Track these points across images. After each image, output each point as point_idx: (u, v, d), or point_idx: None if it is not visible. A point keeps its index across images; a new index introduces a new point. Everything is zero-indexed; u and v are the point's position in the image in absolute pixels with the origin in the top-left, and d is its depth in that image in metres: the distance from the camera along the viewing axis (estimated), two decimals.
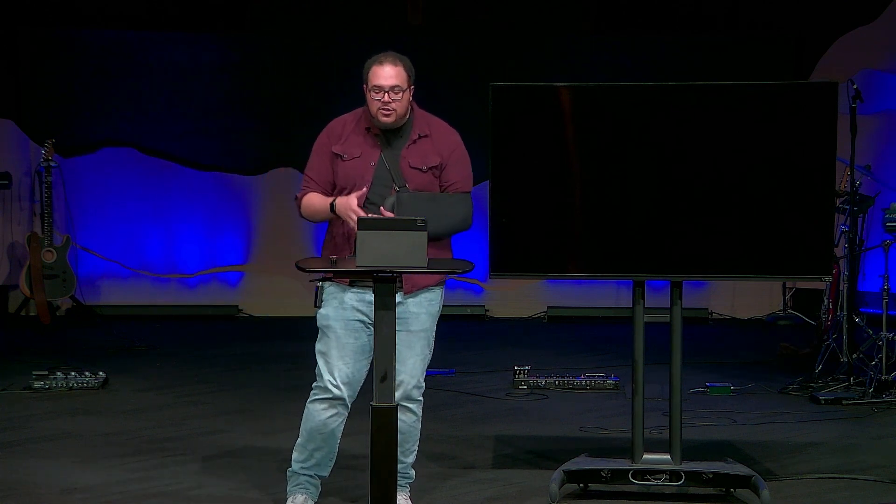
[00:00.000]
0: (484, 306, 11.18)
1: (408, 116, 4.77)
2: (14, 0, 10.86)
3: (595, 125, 5.09)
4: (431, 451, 5.95)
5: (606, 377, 7.57)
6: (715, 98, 5.07)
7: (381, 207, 4.58)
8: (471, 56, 11.20)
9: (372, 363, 4.35)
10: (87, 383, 7.44)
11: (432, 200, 4.62)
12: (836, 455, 5.90)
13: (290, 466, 4.92)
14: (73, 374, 7.47)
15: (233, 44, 11.28)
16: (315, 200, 4.74)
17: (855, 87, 7.57)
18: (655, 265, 5.05)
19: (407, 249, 3.95)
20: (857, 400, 7.07)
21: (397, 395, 4.67)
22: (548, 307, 11.14)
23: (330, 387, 4.74)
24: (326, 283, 4.74)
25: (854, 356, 7.51)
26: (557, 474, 5.11)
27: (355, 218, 4.42)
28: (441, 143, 4.78)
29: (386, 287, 4.03)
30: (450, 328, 10.39)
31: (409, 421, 4.80)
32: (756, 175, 5.01)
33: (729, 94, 5.07)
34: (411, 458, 4.94)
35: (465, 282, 11.11)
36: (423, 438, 6.16)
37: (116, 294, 11.15)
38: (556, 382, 7.55)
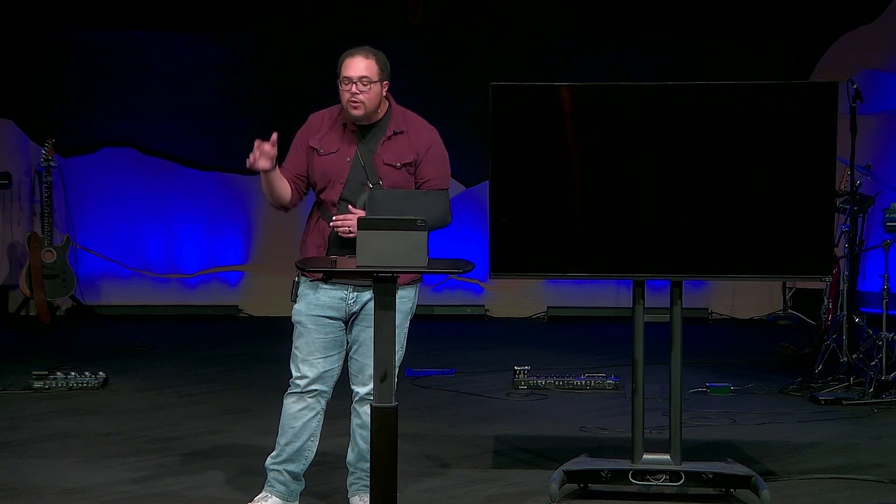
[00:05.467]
0: (484, 306, 11.18)
1: (385, 113, 4.75)
2: (14, 0, 10.86)
3: (595, 125, 5.09)
4: (431, 451, 5.95)
5: (606, 377, 7.57)
6: (715, 98, 5.07)
7: (350, 206, 4.62)
8: (471, 56, 11.20)
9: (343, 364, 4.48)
10: (87, 383, 7.44)
11: (407, 198, 4.56)
12: (836, 455, 5.90)
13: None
14: (73, 374, 7.46)
15: (233, 44, 11.28)
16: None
17: (855, 87, 7.57)
18: (655, 265, 5.05)
19: (407, 249, 3.95)
20: (857, 400, 7.07)
21: (364, 390, 4.73)
22: (548, 307, 11.14)
23: (297, 380, 4.79)
24: (302, 280, 4.78)
25: (854, 356, 7.51)
26: (557, 474, 5.11)
27: (255, 158, 4.56)
28: (416, 140, 4.74)
29: (386, 287, 4.02)
30: (450, 328, 10.52)
31: None
32: (756, 175, 5.01)
33: (729, 94, 5.07)
34: None
35: (465, 282, 11.11)
36: (424, 438, 6.19)
37: (116, 294, 11.15)
38: (556, 382, 7.55)
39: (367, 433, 4.71)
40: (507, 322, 10.95)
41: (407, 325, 4.77)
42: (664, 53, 11.15)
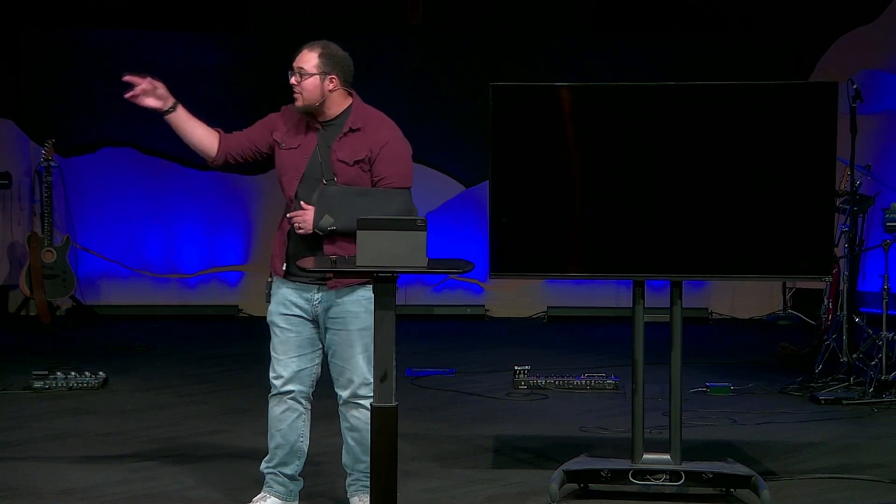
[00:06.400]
0: (484, 306, 11.18)
1: (345, 109, 4.71)
2: (14, 0, 10.86)
3: (595, 125, 5.09)
4: (431, 451, 5.95)
5: (606, 377, 7.57)
6: (715, 98, 5.07)
7: (302, 202, 4.62)
8: (471, 56, 11.20)
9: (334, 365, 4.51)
10: (87, 383, 7.44)
11: (360, 195, 4.57)
12: (836, 455, 5.90)
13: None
14: (73, 374, 7.46)
15: (233, 44, 11.28)
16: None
17: (855, 87, 7.57)
18: (655, 265, 5.05)
19: (407, 249, 3.95)
20: (857, 400, 7.07)
21: (346, 393, 4.72)
22: (548, 307, 11.14)
23: (274, 380, 4.80)
24: (273, 280, 4.80)
25: (854, 356, 7.51)
26: (557, 474, 5.11)
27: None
28: (372, 138, 4.66)
29: (386, 287, 4.02)
30: (450, 328, 10.51)
31: (363, 417, 4.71)
32: (756, 175, 5.01)
33: (729, 94, 5.07)
34: None
35: (465, 282, 11.10)
36: (424, 438, 6.19)
37: (116, 294, 11.15)
38: (556, 382, 7.55)
39: (357, 434, 4.74)
40: (507, 322, 10.95)
41: None
42: (664, 53, 11.15)
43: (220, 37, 11.24)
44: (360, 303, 4.66)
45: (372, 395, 4.69)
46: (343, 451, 4.87)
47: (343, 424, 4.81)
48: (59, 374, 7.45)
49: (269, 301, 4.82)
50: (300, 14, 11.10)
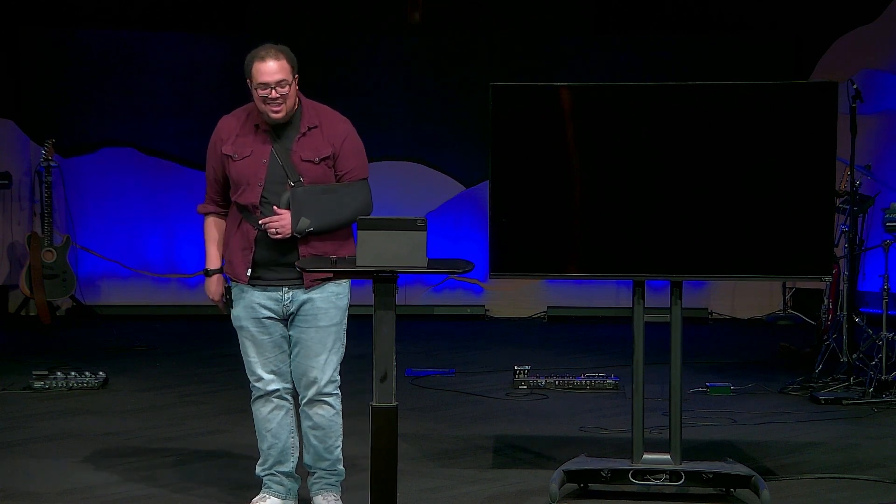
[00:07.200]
0: (484, 306, 11.18)
1: (297, 108, 4.69)
2: (14, 0, 10.86)
3: (595, 125, 5.09)
4: (431, 451, 5.95)
5: (606, 377, 7.57)
6: (715, 98, 5.07)
7: (274, 207, 4.61)
8: (471, 56, 11.20)
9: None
10: (87, 383, 7.44)
11: (328, 192, 4.60)
12: (836, 455, 5.90)
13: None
14: (73, 374, 7.47)
15: (233, 44, 11.26)
16: (209, 241, 5.21)
17: (855, 87, 7.57)
18: (655, 265, 5.05)
19: (407, 249, 3.95)
20: (857, 400, 7.07)
21: (311, 391, 4.72)
22: (548, 307, 11.14)
23: (258, 384, 4.85)
24: (233, 285, 4.81)
25: (854, 356, 7.51)
26: (557, 474, 5.12)
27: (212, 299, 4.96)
28: (331, 133, 4.67)
29: (386, 287, 4.02)
30: (450, 328, 10.52)
31: (327, 414, 4.75)
32: (756, 175, 5.01)
33: (729, 94, 5.07)
34: (336, 454, 4.84)
35: (465, 282, 11.11)
36: (424, 438, 6.19)
37: (116, 294, 11.15)
38: (556, 382, 7.55)
39: (321, 433, 4.75)
40: (507, 322, 10.95)
41: (345, 321, 4.75)
42: (664, 53, 11.14)
43: (220, 37, 11.24)
44: (328, 299, 4.67)
45: (337, 392, 4.73)
46: (304, 450, 4.85)
47: (305, 423, 4.79)
48: (59, 374, 7.45)
49: (232, 307, 4.83)
50: (299, 14, 11.09)
